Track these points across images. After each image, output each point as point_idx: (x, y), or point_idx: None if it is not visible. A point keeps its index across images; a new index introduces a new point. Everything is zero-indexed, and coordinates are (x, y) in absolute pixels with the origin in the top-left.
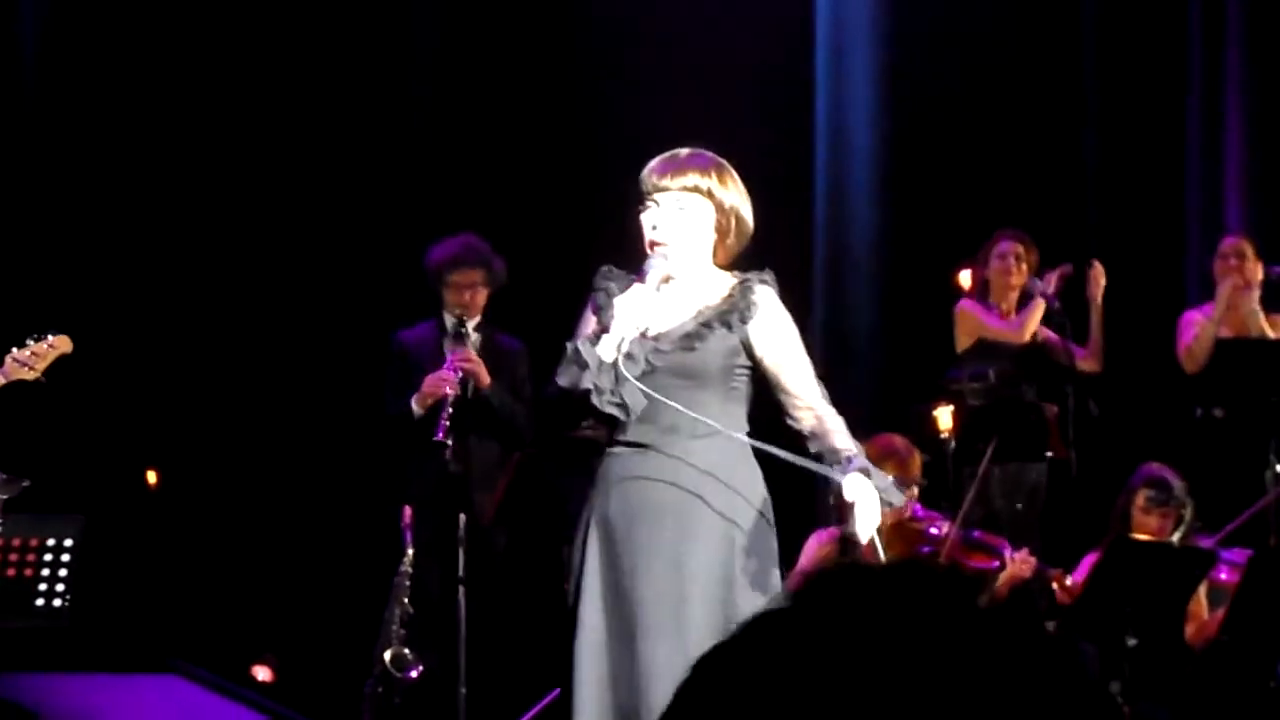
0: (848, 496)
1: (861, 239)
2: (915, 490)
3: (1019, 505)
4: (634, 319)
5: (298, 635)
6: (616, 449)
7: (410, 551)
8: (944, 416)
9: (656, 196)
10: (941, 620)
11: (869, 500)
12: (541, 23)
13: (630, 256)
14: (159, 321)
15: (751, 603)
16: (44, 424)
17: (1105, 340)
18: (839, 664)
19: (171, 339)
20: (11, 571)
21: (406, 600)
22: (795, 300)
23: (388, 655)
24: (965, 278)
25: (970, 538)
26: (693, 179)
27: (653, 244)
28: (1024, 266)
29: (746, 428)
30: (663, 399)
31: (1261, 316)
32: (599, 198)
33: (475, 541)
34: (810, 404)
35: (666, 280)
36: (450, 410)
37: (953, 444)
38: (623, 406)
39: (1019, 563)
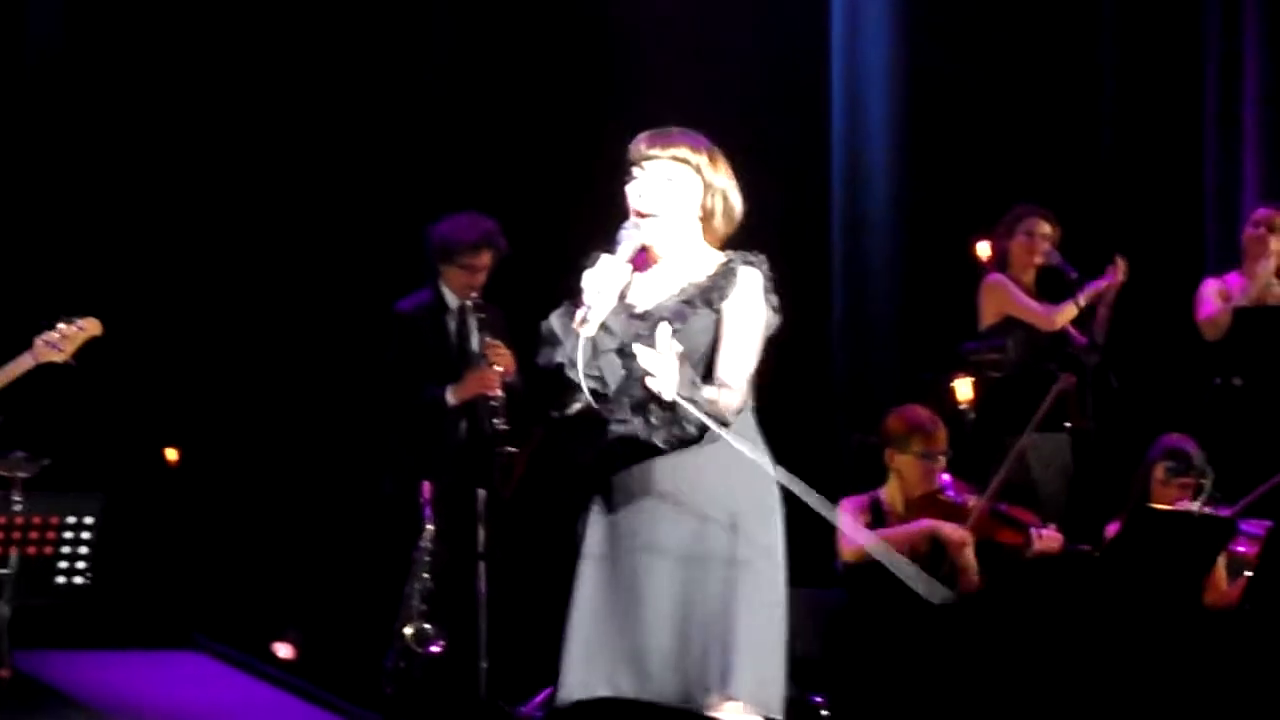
0: (643, 360)
1: (878, 212)
2: (943, 461)
3: (1049, 477)
4: (604, 291)
5: (319, 611)
6: (615, 427)
7: (430, 527)
8: (963, 388)
9: (644, 164)
10: None
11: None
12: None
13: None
14: (178, 299)
15: (753, 579)
16: (64, 403)
17: (1110, 329)
18: None
19: (190, 317)
20: (32, 549)
21: (427, 575)
22: (813, 274)
23: (408, 630)
24: (984, 249)
25: (998, 511)
26: (683, 151)
27: (638, 214)
28: (1048, 244)
29: (752, 404)
30: (643, 370)
31: (1278, 285)
32: (610, 170)
33: (495, 516)
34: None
35: (644, 251)
36: (502, 402)
37: (972, 415)
38: (599, 379)
39: (1046, 539)
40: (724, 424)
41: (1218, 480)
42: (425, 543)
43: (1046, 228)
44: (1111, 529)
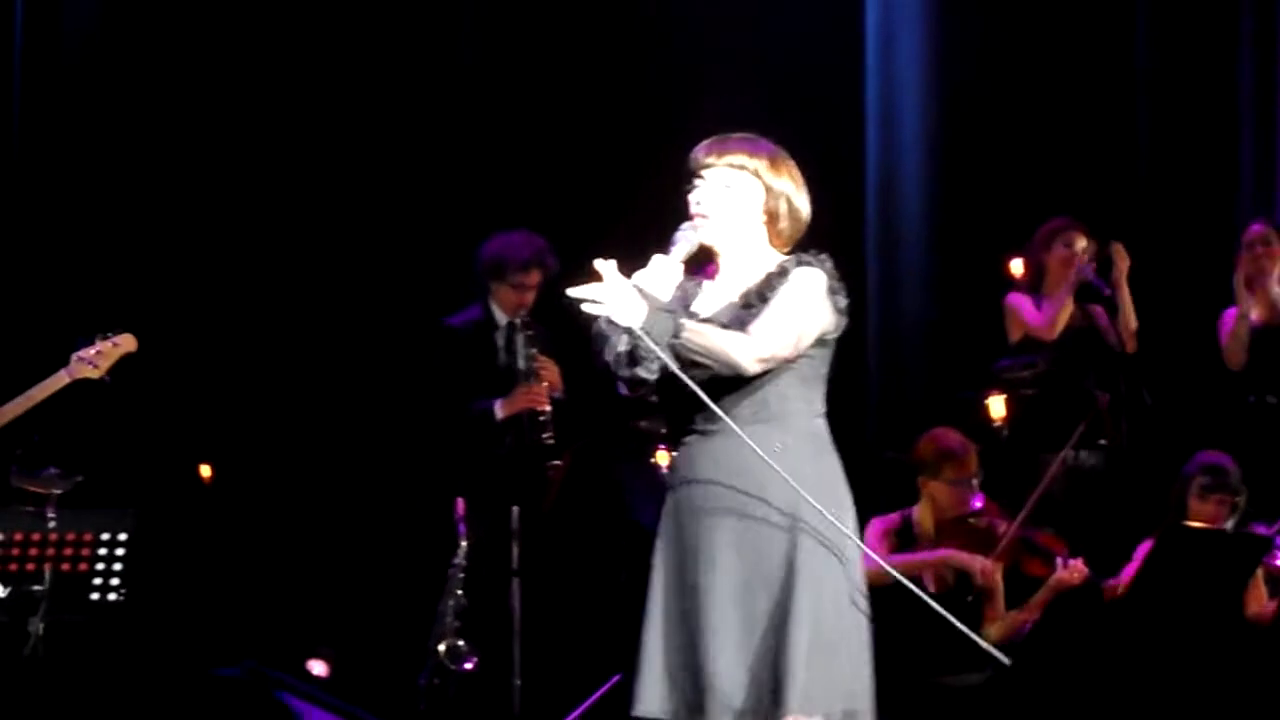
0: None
1: (912, 228)
2: (975, 485)
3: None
4: (656, 290)
5: (353, 628)
6: (688, 438)
7: (464, 544)
8: (996, 405)
9: (702, 172)
10: None
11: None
12: (589, 12)
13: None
14: (211, 316)
15: (814, 593)
16: (98, 419)
17: (1139, 321)
18: None
19: (225, 333)
20: (66, 566)
21: (461, 592)
22: (847, 290)
23: (442, 647)
24: (1017, 266)
25: (1028, 540)
26: (740, 158)
27: (695, 218)
28: (1085, 258)
29: (821, 409)
30: (685, 378)
31: None
32: (645, 185)
33: (529, 533)
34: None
35: (701, 251)
36: (549, 416)
37: (1005, 433)
38: (646, 380)
39: (1071, 570)
40: (725, 367)
41: (1252, 497)
42: (459, 559)
43: (1082, 242)
44: (1144, 547)
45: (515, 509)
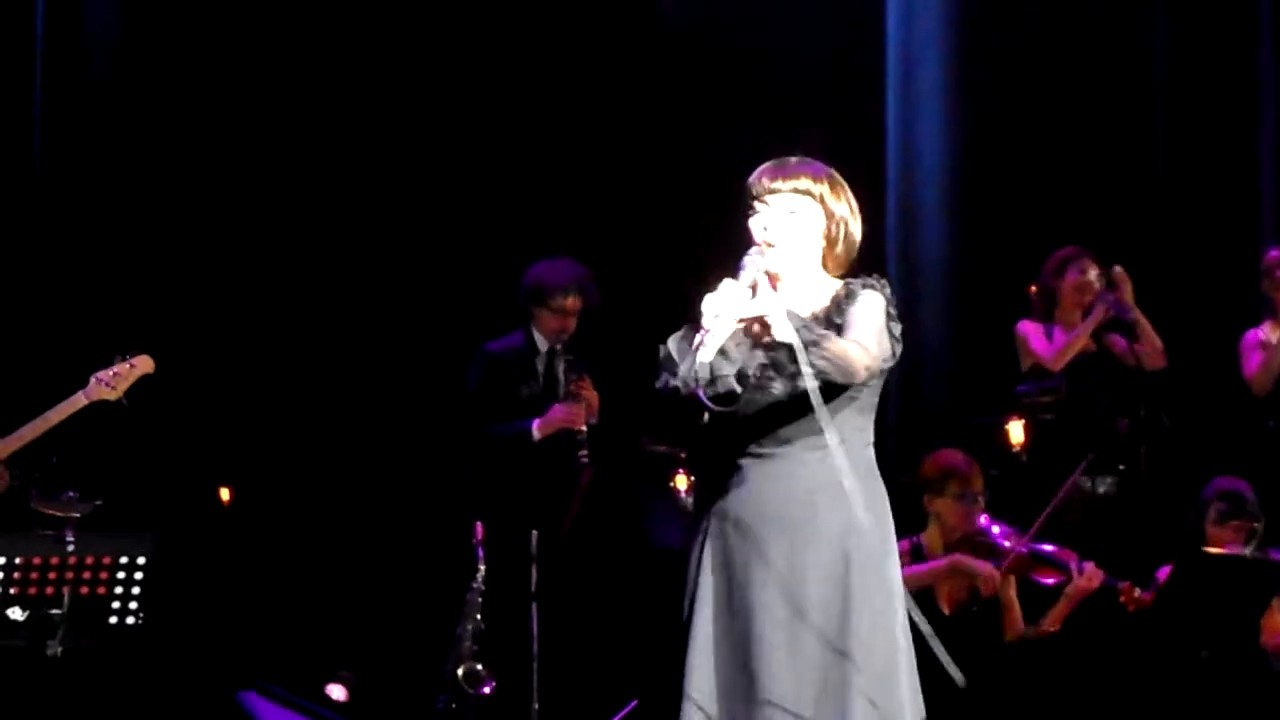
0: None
1: (932, 254)
2: (981, 502)
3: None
4: (724, 315)
5: (371, 652)
6: (742, 460)
7: (483, 567)
8: (1016, 430)
9: (767, 199)
10: None
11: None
12: (616, 42)
13: (699, 258)
14: (231, 338)
15: (869, 619)
16: (117, 442)
17: (1162, 339)
18: None
19: (243, 354)
20: (85, 590)
21: (479, 616)
22: None
23: (460, 671)
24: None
25: (1037, 552)
26: (804, 183)
27: (765, 245)
28: (1099, 285)
29: (871, 438)
30: (761, 399)
31: None
32: (672, 212)
33: (548, 557)
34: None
35: (770, 277)
36: (585, 437)
37: (1024, 458)
38: (712, 400)
39: (1087, 576)
40: (844, 375)
41: (1270, 523)
42: (478, 583)
43: (1094, 270)
44: (1163, 572)
45: (534, 533)
